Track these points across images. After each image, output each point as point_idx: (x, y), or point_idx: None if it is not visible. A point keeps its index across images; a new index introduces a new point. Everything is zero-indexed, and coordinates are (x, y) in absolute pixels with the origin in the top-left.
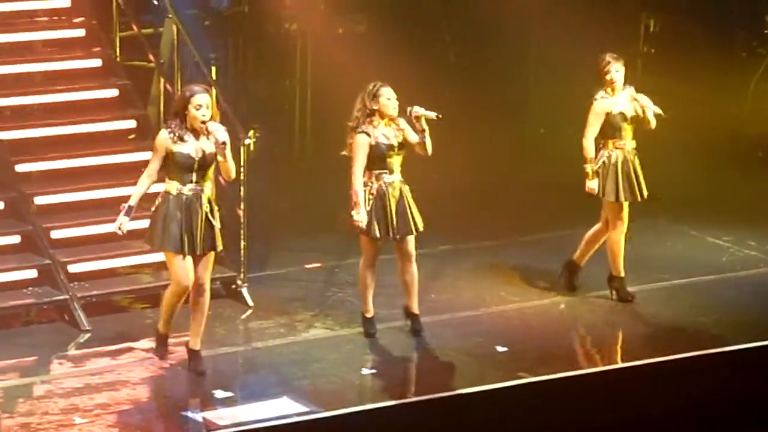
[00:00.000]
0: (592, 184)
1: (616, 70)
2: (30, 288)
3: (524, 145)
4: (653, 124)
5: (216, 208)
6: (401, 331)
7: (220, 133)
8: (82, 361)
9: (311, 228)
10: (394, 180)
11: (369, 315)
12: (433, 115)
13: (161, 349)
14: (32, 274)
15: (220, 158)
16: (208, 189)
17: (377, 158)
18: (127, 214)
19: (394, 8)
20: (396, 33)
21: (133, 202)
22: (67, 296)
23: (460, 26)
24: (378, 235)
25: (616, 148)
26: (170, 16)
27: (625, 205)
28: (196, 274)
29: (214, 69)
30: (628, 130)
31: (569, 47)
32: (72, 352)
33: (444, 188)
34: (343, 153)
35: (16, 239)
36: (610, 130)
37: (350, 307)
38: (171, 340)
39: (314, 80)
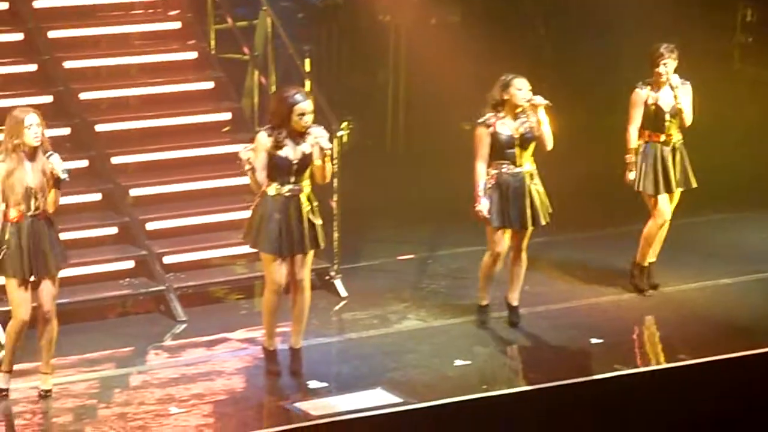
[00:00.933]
0: (631, 176)
1: (665, 64)
2: (127, 279)
3: (617, 139)
4: (688, 120)
5: (315, 204)
6: (495, 323)
7: (324, 140)
8: (177, 351)
9: (404, 219)
10: (517, 172)
11: (484, 303)
12: (545, 102)
13: (273, 365)
14: (129, 265)
15: (318, 162)
16: (307, 187)
17: (498, 149)
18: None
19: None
20: (490, 24)
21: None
22: (164, 287)
23: (555, 18)
24: (496, 224)
25: (650, 140)
26: (265, 8)
27: (665, 198)
28: (294, 272)
29: (308, 61)
30: (665, 124)
31: (664, 40)
32: (168, 342)
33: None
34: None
35: (113, 230)
36: (646, 121)
37: (443, 298)
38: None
39: (407, 71)
